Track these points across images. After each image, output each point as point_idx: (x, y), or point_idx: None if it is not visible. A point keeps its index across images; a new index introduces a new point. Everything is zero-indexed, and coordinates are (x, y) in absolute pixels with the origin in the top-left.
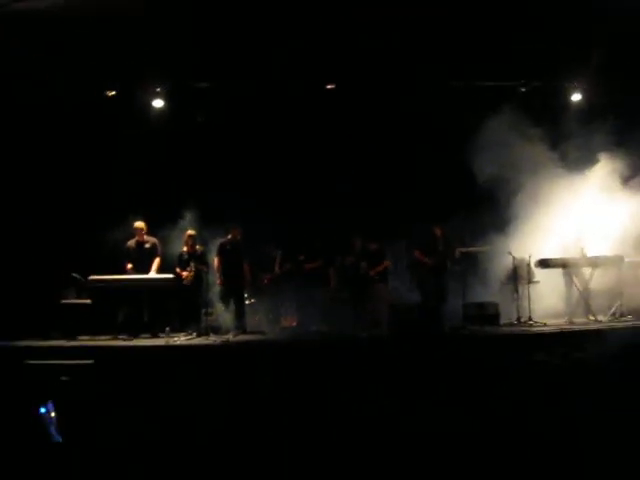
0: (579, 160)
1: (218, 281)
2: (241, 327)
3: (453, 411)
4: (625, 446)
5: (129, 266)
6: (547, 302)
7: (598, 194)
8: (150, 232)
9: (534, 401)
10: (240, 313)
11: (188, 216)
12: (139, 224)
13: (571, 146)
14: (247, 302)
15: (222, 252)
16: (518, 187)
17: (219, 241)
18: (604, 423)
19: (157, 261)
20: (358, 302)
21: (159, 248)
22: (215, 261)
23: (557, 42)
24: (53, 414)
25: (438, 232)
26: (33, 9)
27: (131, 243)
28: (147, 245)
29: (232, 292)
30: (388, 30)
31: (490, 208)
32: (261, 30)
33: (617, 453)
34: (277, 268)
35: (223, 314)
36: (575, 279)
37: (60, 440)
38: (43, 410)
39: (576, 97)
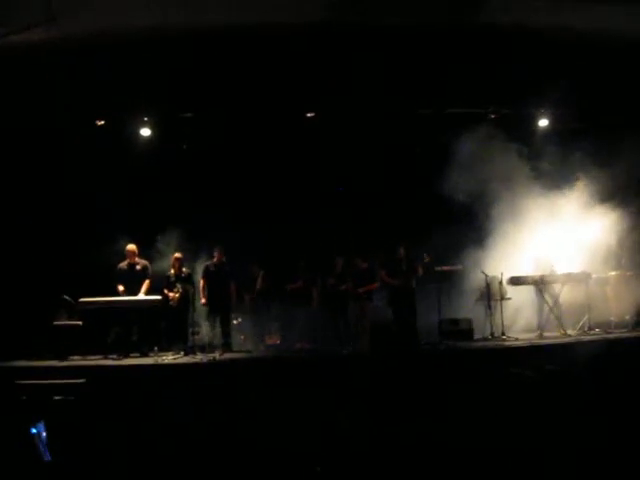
0: (551, 180)
1: (202, 301)
2: (227, 346)
3: (432, 423)
4: (594, 451)
5: (121, 288)
6: (519, 317)
7: (568, 213)
8: (140, 255)
9: (510, 411)
10: (226, 332)
11: (174, 238)
12: (131, 247)
13: (543, 168)
14: (235, 322)
15: (207, 274)
16: (492, 209)
17: (204, 264)
18: (576, 430)
19: (147, 283)
20: (339, 321)
21: (150, 270)
22: (200, 283)
23: (524, 71)
24: (44, 434)
25: (402, 252)
26: (28, 41)
27: (123, 265)
28: (138, 267)
29: (218, 312)
30: (363, 62)
31: (465, 228)
32: (242, 63)
33: (587, 457)
34: (258, 286)
35: (209, 333)
36: (545, 295)
37: (50, 459)
38: (34, 430)
39: (543, 123)
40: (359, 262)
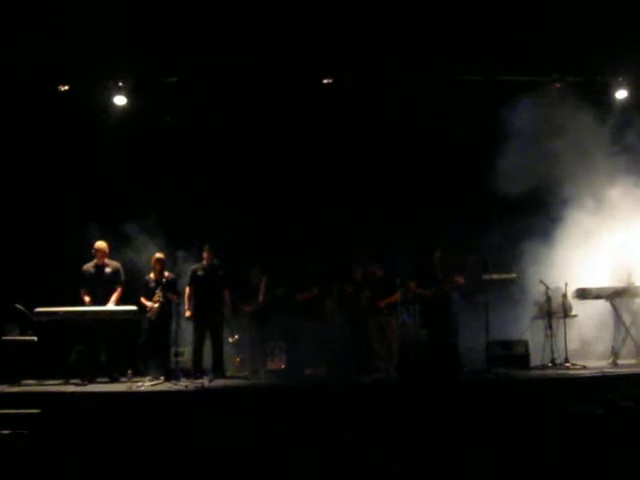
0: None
1: (187, 313)
2: (219, 370)
3: (476, 471)
4: None
5: (87, 298)
6: (587, 340)
7: None
8: (112, 254)
9: (575, 458)
10: (217, 353)
11: (155, 234)
12: (99, 244)
13: (627, 145)
14: (230, 340)
15: (194, 280)
16: (554, 200)
17: (191, 267)
18: None
19: (119, 290)
20: (359, 341)
21: (122, 274)
22: (186, 290)
23: (597, 29)
24: None
25: (438, 256)
26: None
27: (88, 267)
28: (108, 270)
29: (208, 327)
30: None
31: (520, 225)
32: (242, 12)
33: None
34: (261, 297)
35: (197, 354)
36: (621, 312)
37: None
38: None
39: (621, 94)
40: (374, 269)
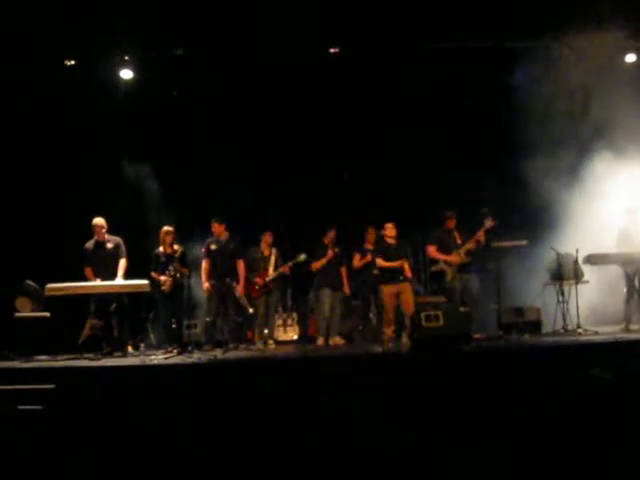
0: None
1: (204, 285)
2: (232, 341)
3: (486, 443)
4: None
5: (90, 276)
6: (599, 306)
7: None
8: (115, 229)
9: (584, 424)
10: (231, 324)
11: (163, 208)
12: (97, 220)
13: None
14: (250, 310)
15: (207, 253)
16: (565, 165)
17: (206, 241)
18: None
19: (122, 263)
20: (370, 310)
21: (124, 249)
22: (204, 265)
23: None
24: None
25: (451, 222)
26: None
27: (89, 245)
28: (109, 245)
29: (222, 299)
30: None
31: (528, 191)
32: None
33: None
34: (272, 270)
35: (211, 326)
36: (634, 277)
37: None
38: None
39: (630, 58)
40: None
